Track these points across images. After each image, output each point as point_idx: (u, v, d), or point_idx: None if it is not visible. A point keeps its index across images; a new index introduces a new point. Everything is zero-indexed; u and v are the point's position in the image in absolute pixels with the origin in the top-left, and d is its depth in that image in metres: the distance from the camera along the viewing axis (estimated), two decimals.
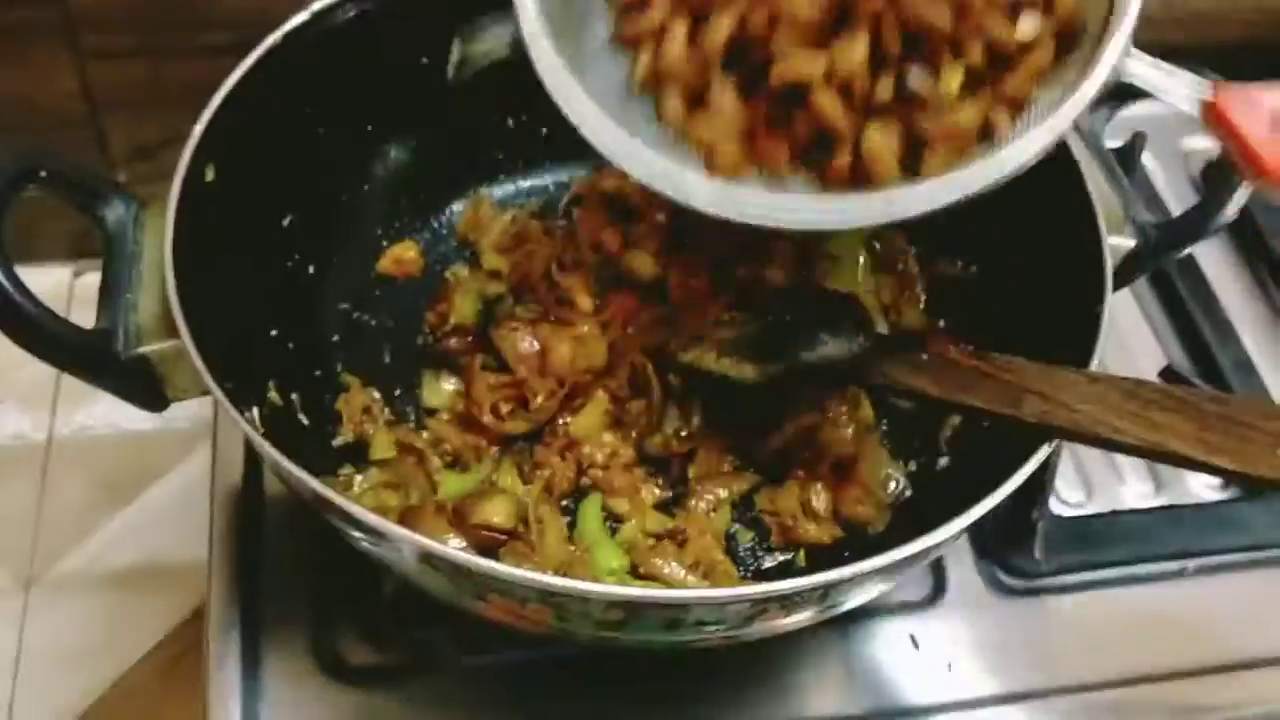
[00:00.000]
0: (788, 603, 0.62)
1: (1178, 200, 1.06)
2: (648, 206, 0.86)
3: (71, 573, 1.03)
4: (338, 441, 0.80)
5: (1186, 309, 0.97)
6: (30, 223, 1.15)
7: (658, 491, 0.79)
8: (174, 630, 1.00)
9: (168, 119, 1.09)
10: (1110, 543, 0.84)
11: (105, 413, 1.10)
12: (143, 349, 0.67)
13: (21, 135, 1.08)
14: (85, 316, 0.68)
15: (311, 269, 0.84)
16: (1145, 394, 0.61)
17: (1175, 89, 0.60)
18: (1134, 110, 0.85)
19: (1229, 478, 0.57)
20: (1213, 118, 0.59)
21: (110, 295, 0.69)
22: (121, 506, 1.07)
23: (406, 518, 0.71)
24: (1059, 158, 0.76)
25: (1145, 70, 0.60)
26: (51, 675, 0.98)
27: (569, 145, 0.92)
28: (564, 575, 0.70)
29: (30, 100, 1.07)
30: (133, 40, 1.03)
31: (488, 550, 0.72)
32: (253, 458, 0.83)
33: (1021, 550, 0.82)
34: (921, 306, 0.87)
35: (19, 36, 1.01)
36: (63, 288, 1.18)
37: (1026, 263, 0.80)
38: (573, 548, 0.74)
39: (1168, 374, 0.89)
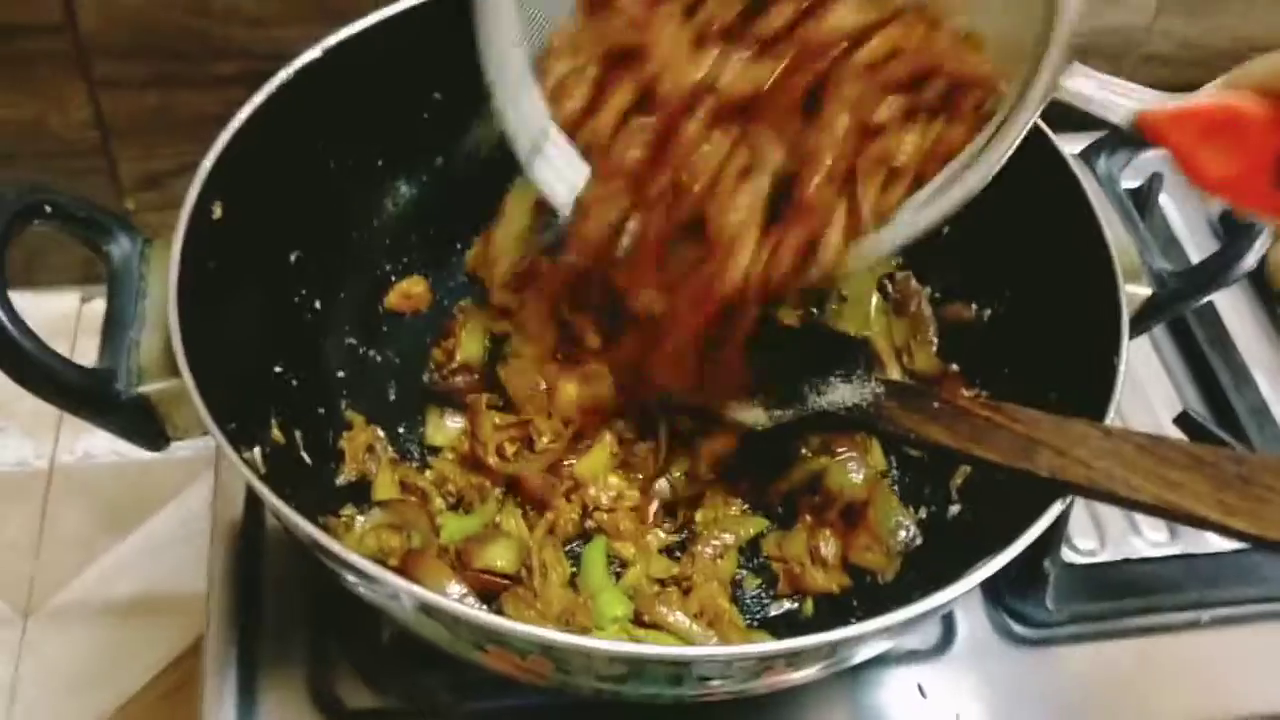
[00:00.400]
0: (795, 659, 0.60)
1: (1195, 244, 1.05)
2: None
3: (71, 602, 1.02)
4: (340, 480, 0.79)
5: (1203, 353, 0.96)
6: (38, 248, 1.15)
7: (664, 535, 0.78)
8: (173, 662, 0.99)
9: (178, 148, 1.10)
10: (1124, 592, 0.83)
11: (108, 441, 1.07)
12: (144, 388, 0.66)
13: (32, 163, 1.08)
14: (92, 343, 0.67)
15: (318, 304, 0.83)
16: (1162, 451, 0.60)
17: (1112, 104, 0.60)
18: (1151, 151, 0.83)
19: (1246, 541, 0.56)
20: (1146, 131, 0.59)
21: (113, 333, 0.68)
22: (122, 536, 1.06)
23: (408, 561, 0.70)
24: (1075, 203, 0.76)
25: (1081, 85, 0.60)
26: (49, 706, 0.97)
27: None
28: (567, 621, 0.70)
29: (42, 128, 1.07)
30: (144, 70, 1.03)
31: (490, 595, 0.70)
32: (254, 492, 0.82)
33: (1033, 599, 0.81)
34: (934, 349, 0.85)
35: (31, 65, 1.01)
36: (70, 314, 1.17)
37: (1041, 308, 0.79)
38: (576, 594, 0.73)
39: (1183, 419, 0.88)
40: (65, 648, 1.00)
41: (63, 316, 1.17)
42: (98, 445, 1.11)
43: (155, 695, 0.97)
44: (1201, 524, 0.57)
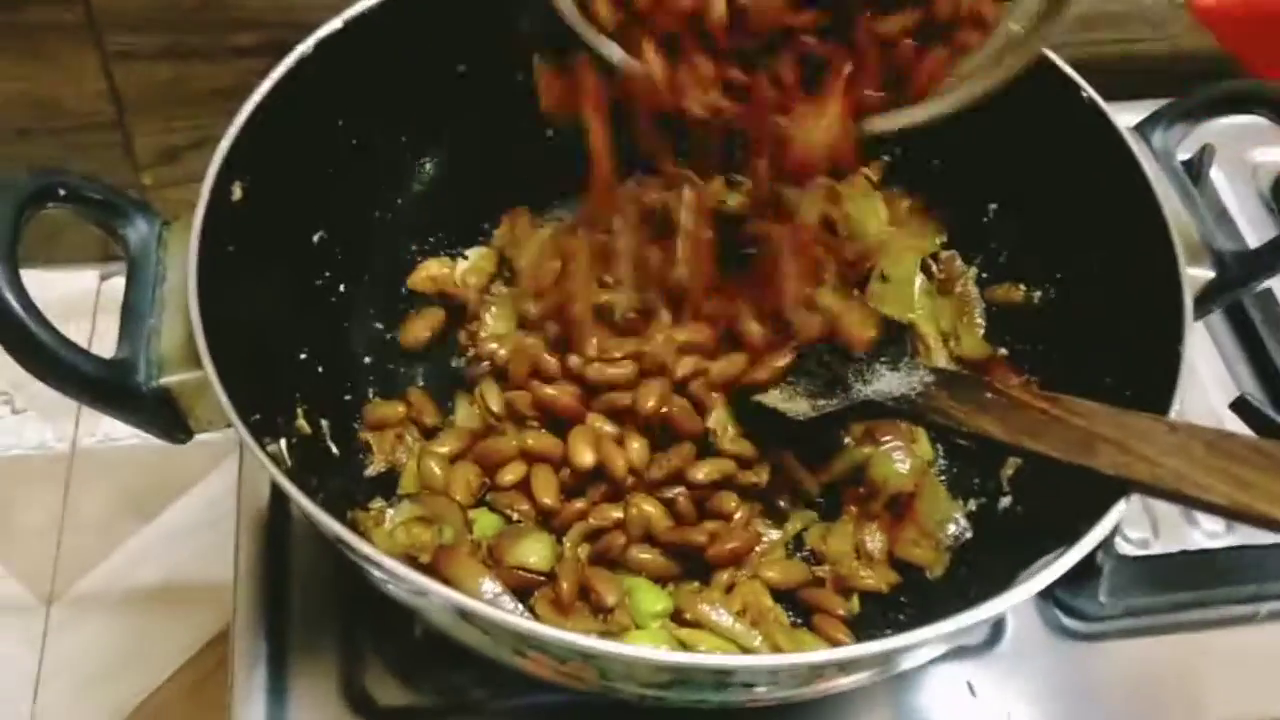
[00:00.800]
0: (848, 667, 0.58)
1: (1247, 218, 1.01)
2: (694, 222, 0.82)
3: (94, 590, 1.01)
4: (370, 471, 0.76)
5: (1259, 336, 0.92)
6: (56, 226, 1.13)
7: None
8: (199, 652, 0.97)
9: (195, 121, 1.07)
10: (1178, 584, 0.80)
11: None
12: (165, 380, 0.63)
13: (47, 138, 1.06)
14: (112, 322, 0.65)
15: (343, 287, 0.80)
16: (1232, 448, 0.56)
17: None
18: (1208, 122, 0.80)
19: None
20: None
21: (131, 321, 0.65)
22: (146, 521, 1.04)
23: (440, 557, 0.67)
24: (1131, 179, 0.72)
25: None
26: (73, 697, 0.96)
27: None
28: (604, 619, 0.67)
29: (57, 101, 1.05)
30: (158, 41, 1.00)
31: (524, 592, 0.68)
32: None
33: (1084, 592, 0.78)
34: (981, 333, 0.82)
35: (43, 36, 0.98)
36: (89, 292, 1.16)
37: (1096, 291, 0.76)
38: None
39: (1240, 405, 0.84)
40: (88, 637, 0.99)
41: (81, 294, 1.15)
42: (119, 428, 1.07)
43: (180, 688, 0.96)
44: (1277, 528, 0.54)
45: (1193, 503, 0.57)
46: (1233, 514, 0.55)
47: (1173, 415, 0.62)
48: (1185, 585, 0.80)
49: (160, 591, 1.01)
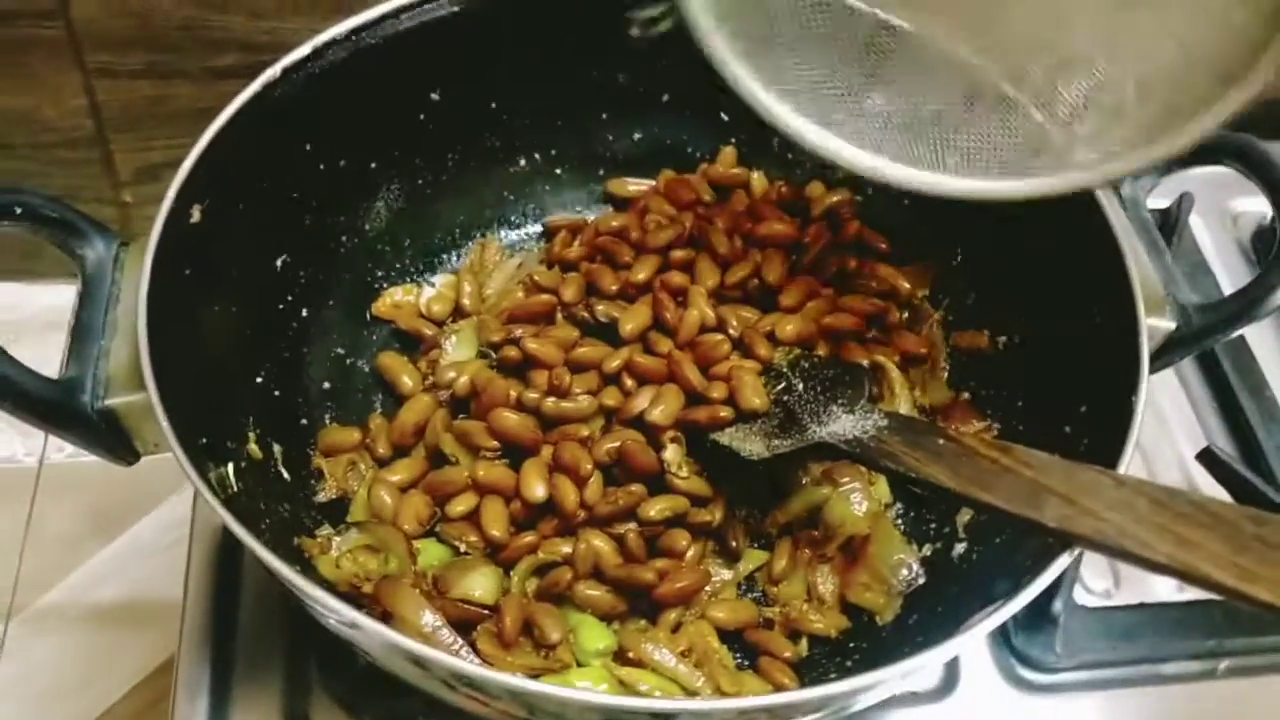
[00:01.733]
0: (781, 713, 0.57)
1: (1226, 268, 1.01)
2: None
3: (54, 606, 1.00)
4: (320, 498, 0.76)
5: (1231, 388, 0.91)
6: (36, 241, 1.13)
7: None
8: (153, 673, 0.97)
9: (175, 141, 1.07)
10: (1137, 637, 0.79)
11: None
12: (110, 401, 0.63)
13: (28, 153, 1.06)
14: None
15: (304, 312, 0.80)
16: (1177, 506, 0.56)
17: None
18: (1181, 171, 0.79)
19: (1263, 610, 0.52)
20: None
21: (81, 341, 0.65)
22: (109, 539, 1.04)
23: (382, 587, 0.66)
24: (1096, 227, 0.71)
25: None
26: (27, 712, 0.95)
27: (581, 186, 0.90)
28: (546, 655, 0.67)
29: (38, 118, 1.05)
30: (139, 60, 1.00)
31: (466, 626, 0.67)
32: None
33: (1041, 642, 0.77)
34: (945, 377, 0.81)
35: (25, 51, 0.98)
36: (67, 307, 1.15)
37: (1058, 339, 0.75)
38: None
39: (1206, 456, 0.84)
40: (46, 653, 0.98)
41: (58, 309, 1.14)
42: None
43: (132, 708, 0.95)
44: (1217, 589, 0.52)
45: (1135, 559, 0.56)
46: (1173, 572, 0.54)
47: (1123, 467, 0.62)
48: (1145, 638, 0.79)
49: (119, 610, 1.00)
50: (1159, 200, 0.96)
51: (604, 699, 0.54)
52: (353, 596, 0.67)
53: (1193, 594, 0.80)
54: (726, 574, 0.74)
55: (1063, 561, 0.58)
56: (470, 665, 0.53)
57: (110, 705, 0.95)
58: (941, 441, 0.67)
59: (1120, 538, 0.56)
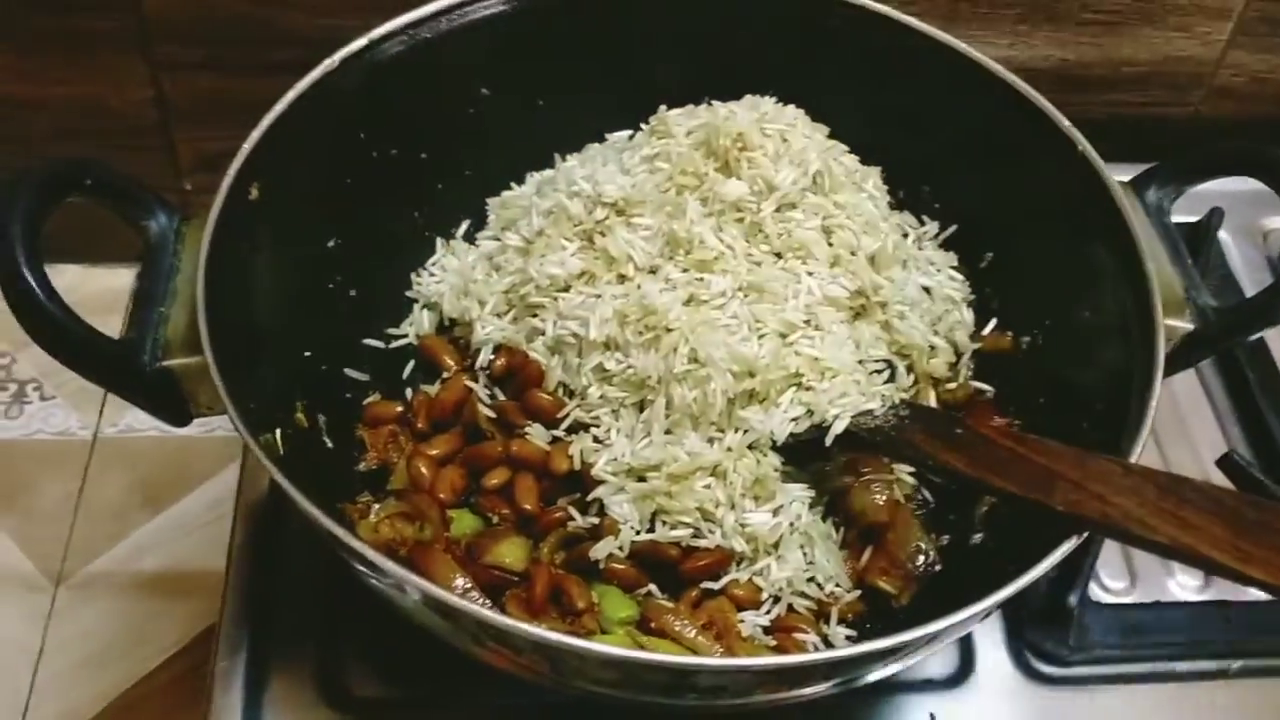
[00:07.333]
0: (793, 677, 0.59)
1: (1253, 281, 1.02)
2: None
3: (101, 573, 1.04)
4: (362, 467, 0.79)
5: (1252, 395, 0.93)
6: (97, 226, 1.17)
7: None
8: (193, 640, 1.00)
9: (235, 132, 1.11)
10: (1150, 635, 0.81)
11: (150, 417, 1.11)
12: (168, 362, 0.67)
13: (94, 141, 1.10)
14: None
15: (353, 292, 0.83)
16: (1182, 492, 0.58)
17: None
18: (1210, 185, 0.81)
19: (1261, 588, 0.54)
20: None
21: (142, 306, 0.69)
22: (157, 511, 1.08)
23: (416, 551, 0.70)
24: (1117, 232, 0.74)
25: None
26: (71, 675, 0.99)
27: None
28: (571, 622, 0.69)
29: (105, 107, 1.09)
30: (204, 53, 1.04)
31: (496, 590, 0.70)
32: None
33: (1055, 635, 0.79)
34: (969, 374, 0.83)
35: (94, 43, 1.03)
36: (123, 290, 1.18)
37: (1079, 339, 0.77)
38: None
39: (1226, 462, 0.85)
40: (91, 619, 1.02)
41: (115, 291, 1.19)
42: (141, 419, 1.12)
43: (170, 675, 0.98)
44: (1217, 569, 0.55)
45: (1140, 542, 0.58)
46: (1176, 554, 0.57)
47: (1135, 458, 0.64)
48: (1158, 636, 0.80)
49: (163, 581, 1.04)
50: (1188, 215, 0.98)
51: (624, 653, 0.56)
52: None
53: (1206, 594, 0.83)
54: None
55: (1069, 545, 0.60)
56: (498, 616, 0.56)
57: (151, 670, 0.99)
58: (959, 431, 0.69)
59: (1126, 521, 0.58)
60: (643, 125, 0.84)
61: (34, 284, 0.62)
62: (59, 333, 0.64)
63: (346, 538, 0.59)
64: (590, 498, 0.74)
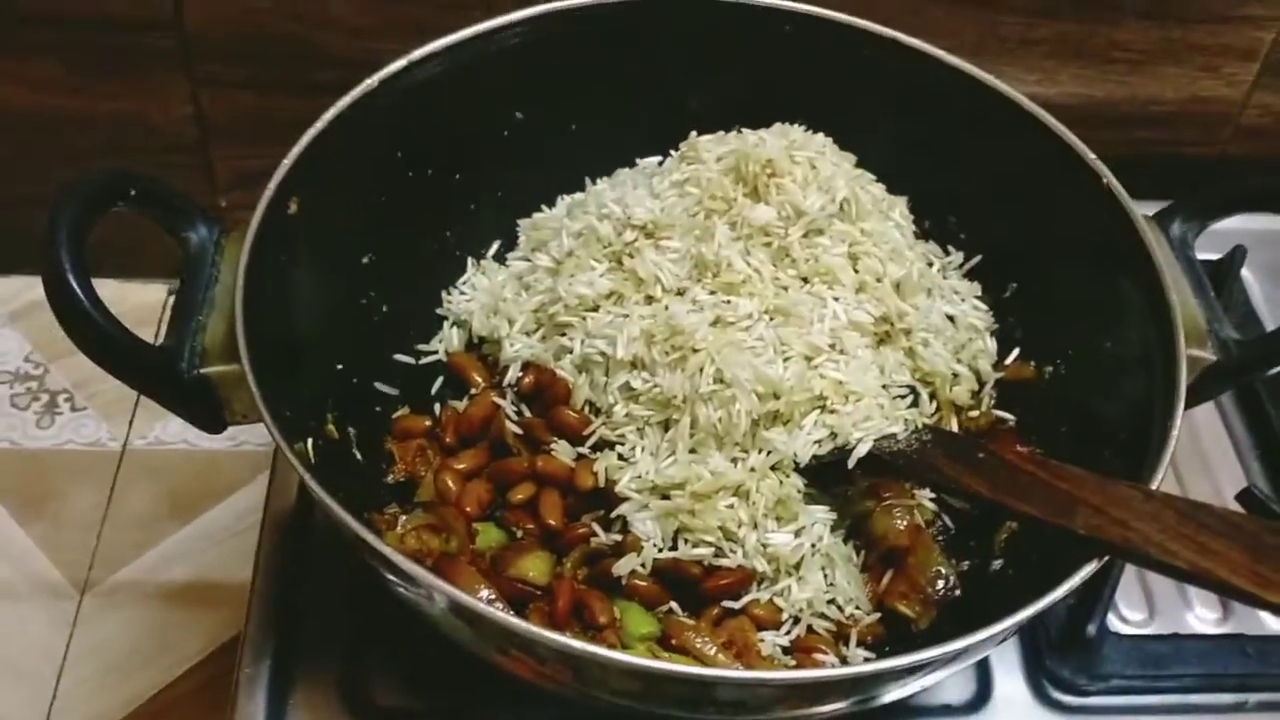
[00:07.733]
0: (811, 693, 0.60)
1: (1275, 318, 1.03)
2: None
3: (127, 582, 1.05)
4: (390, 479, 0.80)
5: (1273, 430, 0.93)
6: (133, 242, 1.19)
7: None
8: (217, 650, 1.01)
9: (273, 150, 1.13)
10: (1168, 666, 0.80)
11: (180, 430, 1.13)
12: (205, 370, 0.68)
13: (134, 155, 1.13)
14: None
15: (385, 308, 0.85)
16: (1202, 517, 0.58)
17: None
18: (1234, 223, 0.82)
19: (1277, 613, 0.54)
20: None
21: (182, 315, 0.70)
22: (184, 522, 1.09)
23: (441, 563, 0.71)
24: (1141, 264, 0.75)
25: None
26: (95, 682, 1.00)
27: None
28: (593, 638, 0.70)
29: (146, 122, 1.11)
30: (245, 71, 1.07)
31: (519, 603, 0.71)
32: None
33: (1073, 664, 0.79)
34: (991, 403, 0.84)
35: (138, 59, 1.05)
36: (157, 304, 1.21)
37: (1101, 369, 0.78)
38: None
39: (1246, 496, 0.86)
40: (116, 627, 1.03)
41: (151, 306, 1.21)
42: (170, 432, 1.14)
43: (193, 684, 0.99)
44: (1235, 594, 0.55)
45: (1158, 566, 0.59)
46: (1195, 579, 0.57)
47: (1155, 486, 0.64)
48: (1175, 668, 0.80)
49: (188, 591, 1.05)
50: (1212, 252, 0.98)
51: (645, 663, 0.58)
52: None
53: (1226, 627, 0.83)
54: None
55: (1088, 569, 0.61)
56: (523, 624, 0.57)
57: (174, 678, 1.00)
58: (981, 455, 0.70)
59: (1146, 545, 0.59)
60: (673, 151, 0.86)
61: (79, 291, 0.63)
62: (102, 339, 0.65)
63: (377, 543, 0.60)
64: (614, 514, 0.75)
